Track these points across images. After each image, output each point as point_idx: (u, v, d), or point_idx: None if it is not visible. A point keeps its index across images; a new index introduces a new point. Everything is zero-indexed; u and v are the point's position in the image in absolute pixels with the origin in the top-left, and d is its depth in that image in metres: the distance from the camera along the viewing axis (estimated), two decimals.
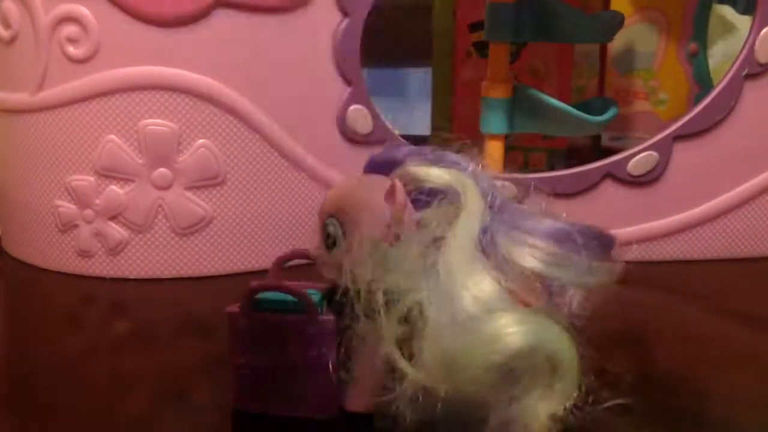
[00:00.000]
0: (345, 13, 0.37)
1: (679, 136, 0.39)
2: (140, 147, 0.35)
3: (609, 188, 0.39)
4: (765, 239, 0.40)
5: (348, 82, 0.38)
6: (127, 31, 0.34)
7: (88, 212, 0.36)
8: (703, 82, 0.61)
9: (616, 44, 0.60)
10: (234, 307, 0.25)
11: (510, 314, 0.22)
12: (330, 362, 0.24)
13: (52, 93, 0.35)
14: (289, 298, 0.24)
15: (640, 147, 0.39)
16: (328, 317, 0.24)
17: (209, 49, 0.35)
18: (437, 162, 0.25)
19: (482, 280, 0.22)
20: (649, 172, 0.39)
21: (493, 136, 0.43)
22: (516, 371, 0.22)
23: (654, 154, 0.39)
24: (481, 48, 0.54)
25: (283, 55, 0.37)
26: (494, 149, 0.43)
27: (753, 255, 0.40)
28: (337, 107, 0.38)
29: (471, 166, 0.25)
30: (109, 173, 0.36)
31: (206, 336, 0.32)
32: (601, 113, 0.43)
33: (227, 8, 0.35)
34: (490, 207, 0.24)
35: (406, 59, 0.57)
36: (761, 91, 0.39)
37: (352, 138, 0.39)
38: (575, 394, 0.22)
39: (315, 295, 0.25)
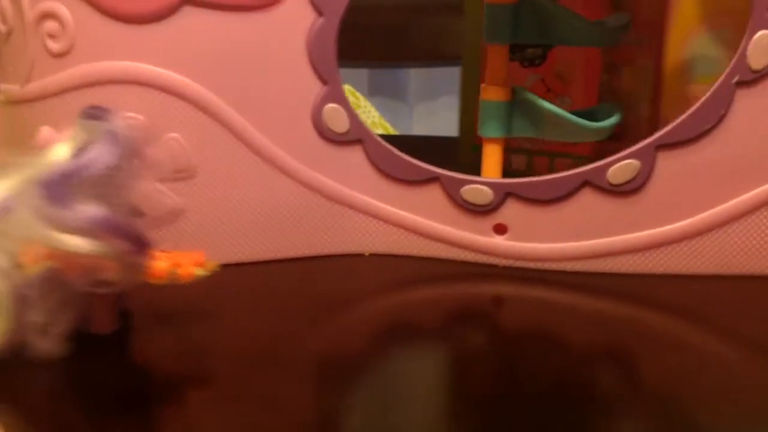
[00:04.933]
0: (319, 13, 0.37)
1: (662, 145, 0.37)
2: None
3: (587, 196, 0.38)
4: (753, 257, 0.38)
5: (323, 80, 0.38)
6: (99, 27, 0.36)
7: None
8: None
9: (679, 51, 0.58)
10: None
11: None
12: None
13: (36, 86, 0.37)
14: None
15: (621, 154, 0.37)
16: None
17: (177, 45, 0.36)
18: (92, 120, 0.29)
19: None
20: (629, 181, 0.37)
21: (491, 140, 0.42)
22: None
23: (635, 162, 0.37)
24: (510, 51, 0.53)
25: (255, 54, 0.37)
26: (492, 153, 0.42)
27: (739, 273, 0.38)
28: (313, 106, 0.39)
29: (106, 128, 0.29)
30: None
31: (173, 323, 0.34)
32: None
33: (194, 6, 0.36)
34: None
35: (406, 59, 0.56)
36: (754, 100, 0.36)
37: (328, 137, 0.39)
38: None
39: None
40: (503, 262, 0.40)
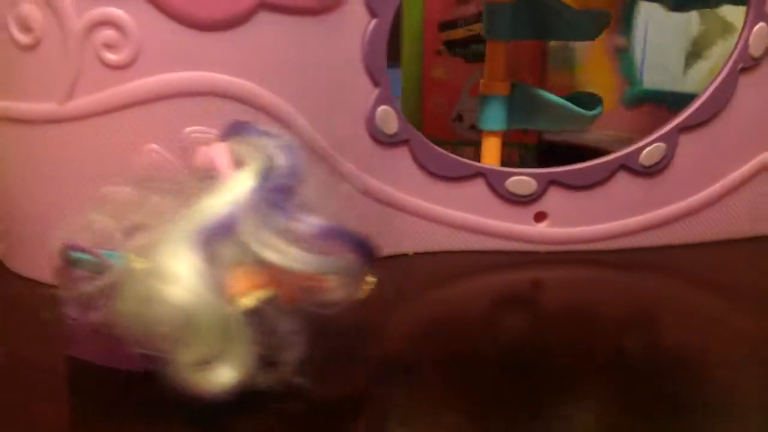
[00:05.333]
0: (373, 14, 0.37)
1: (683, 128, 0.41)
2: (184, 155, 0.34)
3: (623, 179, 0.41)
4: (762, 219, 0.44)
5: (376, 82, 0.38)
6: (169, 36, 0.33)
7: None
8: (630, 76, 0.64)
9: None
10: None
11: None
12: None
13: (86, 101, 0.33)
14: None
15: (650, 139, 0.41)
16: None
17: (253, 52, 0.34)
18: (252, 135, 0.28)
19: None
20: (658, 162, 0.41)
21: (491, 133, 0.44)
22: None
23: (662, 144, 0.41)
24: (452, 47, 0.55)
25: (319, 58, 0.36)
26: (491, 145, 0.44)
27: (753, 235, 0.44)
28: (366, 108, 0.38)
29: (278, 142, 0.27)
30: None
31: None
32: (589, 107, 0.45)
33: (270, 11, 0.34)
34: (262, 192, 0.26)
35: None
36: (754, 83, 0.42)
37: (379, 139, 0.39)
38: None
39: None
40: (544, 247, 0.42)
